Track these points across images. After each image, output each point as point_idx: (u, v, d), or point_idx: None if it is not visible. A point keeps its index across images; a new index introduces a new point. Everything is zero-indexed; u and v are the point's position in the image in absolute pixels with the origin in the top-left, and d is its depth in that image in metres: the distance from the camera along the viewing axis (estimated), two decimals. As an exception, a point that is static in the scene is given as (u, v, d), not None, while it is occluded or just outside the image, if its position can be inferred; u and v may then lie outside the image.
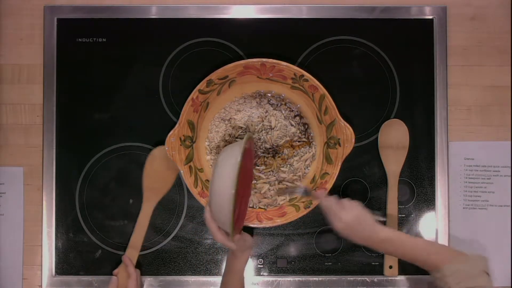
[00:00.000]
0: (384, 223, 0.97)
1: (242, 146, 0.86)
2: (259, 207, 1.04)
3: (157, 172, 1.04)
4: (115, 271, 1.01)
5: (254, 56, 1.01)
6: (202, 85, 1.00)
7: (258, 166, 1.04)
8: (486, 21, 1.10)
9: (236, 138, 1.04)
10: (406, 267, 1.05)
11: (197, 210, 1.06)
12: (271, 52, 1.04)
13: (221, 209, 0.85)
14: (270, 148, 1.04)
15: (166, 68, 1.08)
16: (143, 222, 1.04)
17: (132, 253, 1.03)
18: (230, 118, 1.05)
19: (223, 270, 1.05)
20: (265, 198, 1.04)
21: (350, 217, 0.88)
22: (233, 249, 0.92)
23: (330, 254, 1.06)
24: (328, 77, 1.04)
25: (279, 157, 1.04)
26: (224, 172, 0.84)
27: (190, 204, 1.06)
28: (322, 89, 0.99)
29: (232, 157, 0.85)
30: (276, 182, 1.04)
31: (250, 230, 1.03)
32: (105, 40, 1.08)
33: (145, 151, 1.06)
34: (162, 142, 1.00)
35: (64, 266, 1.05)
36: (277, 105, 1.05)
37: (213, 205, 0.87)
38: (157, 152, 1.04)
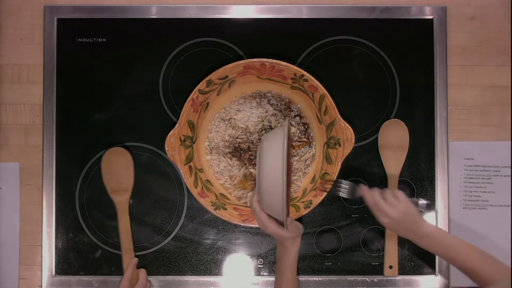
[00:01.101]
0: (429, 206, 0.96)
1: (285, 131, 0.86)
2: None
3: (116, 173, 1.04)
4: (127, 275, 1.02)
5: (254, 56, 1.01)
6: (202, 85, 1.00)
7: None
8: (486, 21, 1.10)
9: (236, 138, 1.04)
10: (406, 267, 1.06)
11: (197, 210, 1.06)
12: (271, 52, 1.04)
13: (273, 196, 0.85)
14: (270, 148, 1.04)
15: (166, 68, 1.08)
16: (124, 225, 1.04)
17: (129, 256, 1.03)
18: (230, 118, 1.05)
19: (223, 270, 1.06)
20: (265, 198, 1.04)
21: (395, 212, 0.89)
22: (286, 237, 0.90)
23: (330, 254, 1.06)
24: (328, 77, 1.04)
25: (279, 157, 1.04)
26: (273, 158, 0.85)
27: (190, 204, 1.06)
28: (322, 89, 0.99)
29: (278, 142, 0.85)
30: (276, 182, 1.04)
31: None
32: (105, 40, 1.08)
33: (145, 151, 1.06)
34: (162, 142, 1.00)
35: (64, 266, 1.05)
36: (277, 105, 1.05)
37: (264, 193, 0.86)
38: (109, 155, 1.04)
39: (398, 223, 0.89)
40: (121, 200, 1.04)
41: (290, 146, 1.03)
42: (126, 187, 1.04)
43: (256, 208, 0.90)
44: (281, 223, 0.90)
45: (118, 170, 1.04)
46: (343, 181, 0.98)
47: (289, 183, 0.98)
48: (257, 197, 0.90)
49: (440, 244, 0.90)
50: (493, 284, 0.84)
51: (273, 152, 0.85)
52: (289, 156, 0.95)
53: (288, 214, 0.91)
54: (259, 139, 1.04)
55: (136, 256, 1.05)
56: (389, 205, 0.89)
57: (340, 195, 0.98)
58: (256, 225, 1.01)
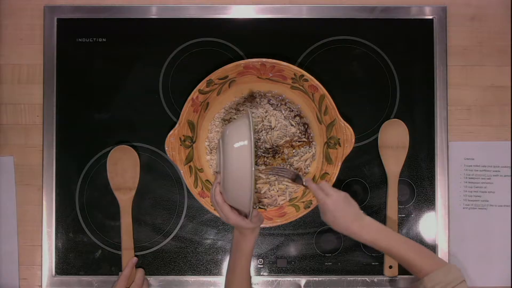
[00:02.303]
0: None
1: (250, 120, 0.85)
2: (259, 207, 1.04)
3: (122, 171, 1.04)
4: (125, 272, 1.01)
5: (254, 56, 1.01)
6: (202, 85, 1.00)
7: (258, 166, 1.04)
8: (486, 21, 1.10)
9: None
10: (406, 267, 1.06)
11: (197, 210, 1.06)
12: (271, 52, 1.04)
13: (240, 187, 0.84)
14: (270, 148, 1.04)
15: (166, 68, 1.08)
16: (126, 223, 1.04)
17: (128, 254, 1.03)
18: (230, 118, 1.05)
19: (223, 270, 1.06)
20: (265, 198, 1.04)
21: (335, 198, 0.89)
22: (247, 228, 0.89)
23: (330, 254, 1.06)
24: (328, 77, 1.04)
25: (279, 157, 1.04)
26: (240, 148, 0.83)
27: (190, 204, 1.06)
28: (322, 89, 0.99)
29: (244, 133, 0.84)
30: (276, 182, 1.04)
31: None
32: (105, 40, 1.08)
33: (145, 151, 1.06)
34: (162, 142, 1.00)
35: (64, 266, 1.05)
36: (277, 105, 1.05)
37: (229, 184, 0.85)
38: (116, 152, 1.04)
39: (339, 211, 0.89)
40: (125, 198, 1.04)
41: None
42: (131, 186, 1.05)
43: (219, 200, 0.89)
44: (243, 214, 0.90)
45: (124, 168, 1.04)
46: (287, 168, 0.99)
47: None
48: (220, 189, 0.89)
49: (379, 233, 0.89)
50: (430, 274, 0.85)
51: (239, 144, 0.84)
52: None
53: (253, 206, 0.91)
54: (259, 139, 1.04)
55: (136, 256, 1.05)
56: (328, 193, 0.90)
57: (285, 178, 0.98)
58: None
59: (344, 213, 0.90)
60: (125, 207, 1.04)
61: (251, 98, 1.05)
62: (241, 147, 0.84)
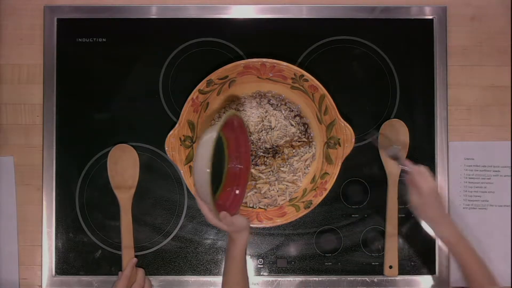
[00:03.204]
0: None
1: (219, 124, 0.86)
2: (259, 207, 1.04)
3: (122, 170, 1.04)
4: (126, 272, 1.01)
5: (254, 56, 1.01)
6: (202, 85, 1.00)
7: (258, 166, 1.04)
8: (486, 21, 1.10)
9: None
10: (406, 267, 1.06)
11: (197, 210, 1.06)
12: (271, 52, 1.04)
13: (201, 188, 0.85)
14: (270, 148, 1.04)
15: (166, 68, 1.08)
16: (127, 222, 1.04)
17: (128, 253, 1.03)
18: (230, 118, 1.05)
19: (223, 270, 1.05)
20: (265, 198, 1.04)
21: (433, 186, 0.91)
22: (230, 231, 0.91)
23: (330, 254, 1.06)
24: (328, 77, 1.04)
25: (279, 157, 1.04)
26: (201, 151, 0.85)
27: (190, 204, 1.06)
28: (322, 89, 0.99)
29: (208, 136, 0.85)
30: (276, 182, 1.04)
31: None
32: (105, 40, 1.08)
33: (145, 151, 1.06)
34: (162, 142, 1.00)
35: (64, 266, 1.05)
36: (277, 105, 1.05)
37: (196, 185, 0.87)
38: (116, 151, 1.04)
39: (431, 202, 0.91)
40: (125, 197, 1.04)
41: (246, 133, 0.98)
42: (131, 184, 1.05)
43: (198, 201, 0.91)
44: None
45: (124, 166, 1.04)
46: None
47: (243, 171, 0.98)
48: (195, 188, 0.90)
49: (461, 236, 0.91)
50: None
51: (201, 147, 0.85)
52: (241, 145, 0.96)
53: (235, 210, 0.94)
54: (259, 139, 1.04)
55: (136, 256, 1.04)
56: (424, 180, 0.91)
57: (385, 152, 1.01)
58: (256, 225, 1.01)
59: (437, 204, 0.92)
60: (125, 206, 1.04)
61: (251, 98, 1.05)
62: (203, 150, 0.84)
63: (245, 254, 0.94)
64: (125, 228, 1.04)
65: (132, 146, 1.06)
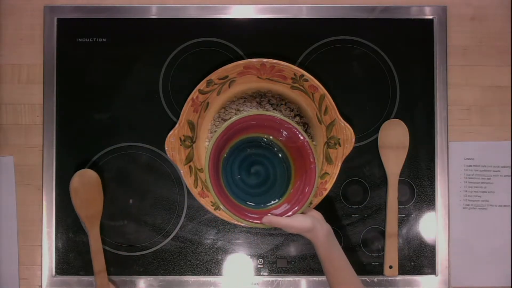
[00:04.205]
0: None
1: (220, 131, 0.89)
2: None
3: (87, 198, 1.02)
4: None
5: (254, 56, 1.01)
6: (202, 85, 1.00)
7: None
8: (486, 21, 1.10)
9: None
10: (406, 267, 1.06)
11: (197, 210, 1.06)
12: (271, 52, 1.04)
13: None
14: (270, 148, 1.04)
15: (166, 68, 1.08)
16: (96, 248, 1.02)
17: (102, 277, 1.02)
18: (230, 118, 1.05)
19: (223, 270, 1.06)
20: (265, 198, 1.04)
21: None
22: (297, 233, 0.91)
23: (330, 254, 1.06)
24: (328, 77, 1.05)
25: (279, 157, 1.04)
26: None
27: (190, 204, 1.06)
28: (322, 89, 0.99)
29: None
30: (276, 182, 1.04)
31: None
32: (105, 40, 1.08)
33: (145, 151, 1.06)
34: (162, 142, 1.00)
35: (64, 266, 1.05)
36: (277, 105, 1.05)
37: None
38: (76, 179, 1.02)
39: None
40: (93, 224, 1.02)
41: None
42: (98, 210, 1.03)
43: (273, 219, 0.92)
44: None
45: (89, 192, 1.02)
46: None
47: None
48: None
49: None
50: None
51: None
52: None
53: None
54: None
55: (136, 256, 1.05)
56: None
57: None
58: (256, 225, 1.01)
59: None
60: (93, 232, 1.02)
61: (251, 98, 1.05)
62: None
63: (333, 252, 0.91)
64: (95, 253, 1.02)
65: (132, 146, 1.06)
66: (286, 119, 0.93)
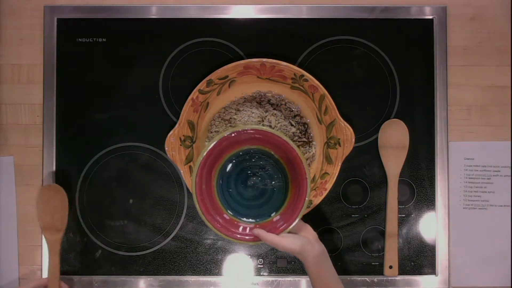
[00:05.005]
0: None
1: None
2: (259, 207, 1.04)
3: (52, 211, 1.01)
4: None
5: (254, 56, 1.01)
6: (202, 85, 1.00)
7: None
8: (486, 21, 1.10)
9: None
10: (406, 267, 1.06)
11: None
12: (271, 52, 1.04)
13: None
14: (270, 148, 1.04)
15: (166, 68, 1.08)
16: (54, 266, 1.00)
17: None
18: (230, 118, 1.05)
19: (223, 270, 1.06)
20: (265, 198, 1.04)
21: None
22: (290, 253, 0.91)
23: (330, 254, 1.05)
24: (328, 77, 1.05)
25: (279, 157, 1.04)
26: None
27: (190, 204, 1.06)
28: (322, 89, 0.99)
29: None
30: (276, 182, 1.04)
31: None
32: (105, 40, 1.08)
33: (145, 151, 1.06)
34: (162, 142, 1.00)
35: (64, 266, 1.05)
36: (277, 105, 1.05)
37: None
38: (46, 190, 1.01)
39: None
40: (54, 239, 1.01)
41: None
42: (60, 226, 1.02)
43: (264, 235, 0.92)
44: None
45: (54, 207, 1.01)
46: None
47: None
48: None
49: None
50: None
51: None
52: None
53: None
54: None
55: (136, 256, 1.05)
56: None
57: None
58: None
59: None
60: (53, 248, 1.01)
61: (251, 98, 1.05)
62: None
63: (323, 272, 0.91)
64: (52, 273, 1.00)
65: (132, 146, 1.06)
66: (276, 132, 0.92)
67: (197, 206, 0.93)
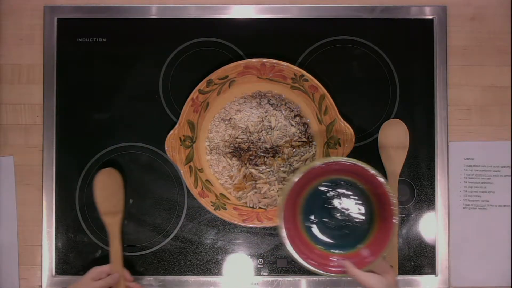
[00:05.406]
0: None
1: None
2: (259, 207, 1.04)
3: (109, 195, 1.02)
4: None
5: (254, 56, 1.01)
6: (202, 85, 1.00)
7: (258, 166, 1.04)
8: (486, 21, 1.10)
9: (236, 138, 1.04)
10: (406, 267, 1.06)
11: (197, 210, 1.06)
12: (271, 52, 1.04)
13: None
14: (270, 148, 1.04)
15: (166, 68, 1.08)
16: (116, 249, 1.01)
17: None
18: (230, 118, 1.05)
19: (223, 270, 1.06)
20: (265, 198, 1.04)
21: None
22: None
23: (330, 254, 1.06)
24: (328, 77, 1.05)
25: (279, 157, 1.04)
26: None
27: (190, 204, 1.06)
28: (322, 89, 0.99)
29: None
30: (276, 182, 1.04)
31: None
32: (105, 40, 1.08)
33: (145, 151, 1.06)
34: (162, 142, 1.00)
35: (64, 266, 1.05)
36: (277, 105, 1.05)
37: None
38: (102, 176, 1.02)
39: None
40: (113, 222, 1.02)
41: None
42: (119, 209, 1.03)
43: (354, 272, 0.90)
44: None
45: (111, 191, 1.02)
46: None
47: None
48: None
49: None
50: None
51: None
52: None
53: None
54: (259, 139, 1.04)
55: (136, 256, 1.05)
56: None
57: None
58: (256, 225, 1.01)
59: None
60: (113, 232, 1.02)
61: (251, 98, 1.05)
62: None
63: None
64: (114, 256, 1.01)
65: (132, 146, 1.06)
66: (365, 165, 0.89)
67: (289, 248, 0.90)
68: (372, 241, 0.93)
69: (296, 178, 0.88)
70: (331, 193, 0.95)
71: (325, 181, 0.94)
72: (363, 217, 0.94)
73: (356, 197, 0.94)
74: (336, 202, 0.95)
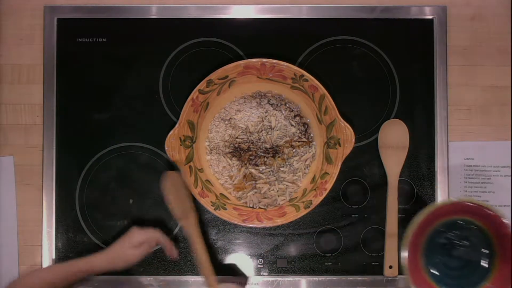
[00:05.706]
0: None
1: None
2: (259, 207, 1.04)
3: (180, 198, 1.00)
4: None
5: (254, 56, 1.01)
6: (202, 85, 1.00)
7: (258, 166, 1.04)
8: (486, 21, 1.10)
9: (236, 138, 1.04)
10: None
11: (197, 210, 1.06)
12: (271, 52, 1.04)
13: None
14: (270, 148, 1.04)
15: (166, 68, 1.08)
16: (200, 250, 0.99)
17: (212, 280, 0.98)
18: (230, 118, 1.05)
19: (223, 270, 1.05)
20: (265, 198, 1.04)
21: None
22: None
23: (330, 254, 1.06)
24: (328, 77, 1.05)
25: (279, 157, 1.04)
26: None
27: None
28: (322, 89, 0.99)
29: None
30: (276, 182, 1.04)
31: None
32: (105, 40, 1.08)
33: (145, 151, 1.06)
34: (162, 142, 1.00)
35: (64, 266, 1.05)
36: (277, 105, 1.05)
37: None
38: (169, 183, 0.99)
39: None
40: (189, 224, 1.00)
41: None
42: (190, 210, 1.00)
43: None
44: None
45: (181, 195, 1.00)
46: None
47: None
48: None
49: None
50: None
51: None
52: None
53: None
54: (259, 139, 1.04)
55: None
56: None
57: None
58: (256, 225, 1.01)
59: None
60: (194, 233, 0.99)
61: (251, 98, 1.05)
62: None
63: None
64: (201, 258, 0.98)
65: (132, 146, 1.06)
66: (489, 206, 0.91)
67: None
68: (496, 278, 0.95)
69: (419, 219, 0.91)
70: (450, 233, 0.98)
71: (444, 222, 0.97)
72: (486, 258, 0.97)
73: (474, 237, 0.97)
74: (456, 243, 0.98)
